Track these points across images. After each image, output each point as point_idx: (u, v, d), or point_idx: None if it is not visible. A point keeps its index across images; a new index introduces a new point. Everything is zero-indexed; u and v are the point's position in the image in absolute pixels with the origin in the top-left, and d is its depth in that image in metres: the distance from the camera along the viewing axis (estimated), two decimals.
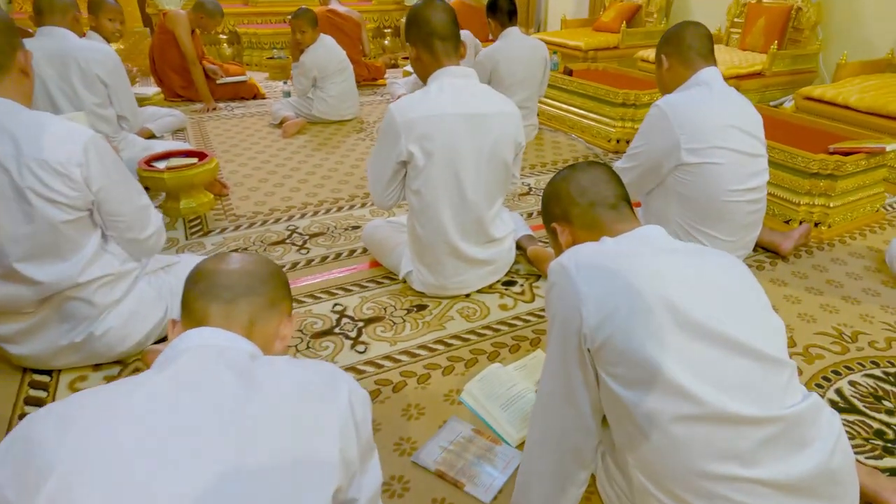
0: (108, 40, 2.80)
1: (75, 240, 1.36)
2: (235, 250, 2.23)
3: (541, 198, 1.18)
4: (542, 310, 1.87)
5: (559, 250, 1.07)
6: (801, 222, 2.41)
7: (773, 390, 0.86)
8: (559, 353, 0.93)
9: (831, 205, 2.40)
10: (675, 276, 0.89)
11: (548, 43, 5.02)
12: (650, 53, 4.29)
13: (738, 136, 1.73)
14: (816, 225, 2.41)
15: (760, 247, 2.24)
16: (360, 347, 1.68)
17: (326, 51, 3.71)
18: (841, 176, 2.34)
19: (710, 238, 1.84)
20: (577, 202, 1.04)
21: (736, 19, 4.43)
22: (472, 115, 1.63)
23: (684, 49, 1.79)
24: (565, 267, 0.91)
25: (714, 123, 1.70)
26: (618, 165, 1.93)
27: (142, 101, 4.18)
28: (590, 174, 1.06)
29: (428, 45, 1.64)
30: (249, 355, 0.75)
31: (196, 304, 0.81)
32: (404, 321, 1.80)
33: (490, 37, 3.46)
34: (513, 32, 3.25)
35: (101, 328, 1.46)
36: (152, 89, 4.22)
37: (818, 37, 4.00)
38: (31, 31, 3.35)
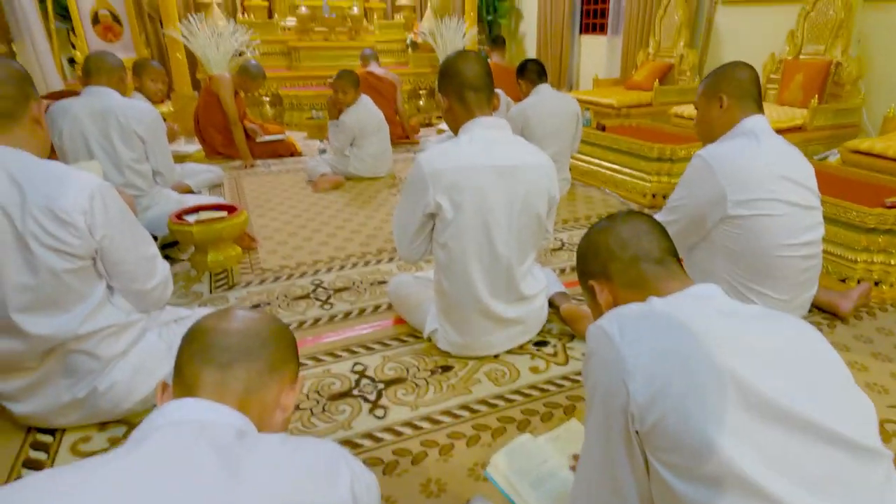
0: (152, 100, 2.92)
1: (78, 290, 1.32)
2: (256, 305, 2.19)
3: (575, 252, 1.07)
4: (578, 373, 1.73)
5: (598, 312, 0.96)
6: (859, 281, 2.23)
7: (866, 488, 0.70)
8: (601, 434, 0.80)
9: (893, 262, 2.22)
10: (740, 344, 0.75)
11: (580, 101, 5.05)
12: (684, 109, 4.24)
13: (789, 186, 1.62)
14: (877, 284, 2.23)
15: (817, 307, 2.06)
16: (379, 412, 1.56)
17: (366, 111, 3.80)
18: None
19: (762, 297, 1.70)
20: (617, 256, 0.93)
21: (772, 75, 4.36)
22: (504, 167, 1.57)
23: (743, 92, 1.70)
24: (607, 332, 0.79)
25: (763, 173, 1.60)
26: (657, 218, 1.82)
27: (183, 157, 4.34)
28: (631, 225, 0.95)
29: (460, 96, 1.61)
30: (237, 433, 0.66)
31: (188, 367, 0.74)
32: (428, 383, 1.68)
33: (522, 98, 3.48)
34: (543, 89, 3.26)
35: (106, 383, 1.39)
36: (194, 147, 4.38)
37: (861, 91, 3.88)
38: (79, 90, 3.56)
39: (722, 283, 1.70)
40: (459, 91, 1.61)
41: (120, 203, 1.35)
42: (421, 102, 6.35)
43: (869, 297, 2.14)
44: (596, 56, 6.53)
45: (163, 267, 1.50)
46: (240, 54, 5.40)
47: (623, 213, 1.00)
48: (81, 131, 2.37)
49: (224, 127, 4.33)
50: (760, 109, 1.71)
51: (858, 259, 2.24)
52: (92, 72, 2.44)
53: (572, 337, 1.92)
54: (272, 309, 2.15)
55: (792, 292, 1.74)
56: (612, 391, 0.76)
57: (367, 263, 2.56)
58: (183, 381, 0.74)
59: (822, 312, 2.07)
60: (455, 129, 1.67)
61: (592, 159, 3.78)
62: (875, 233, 2.21)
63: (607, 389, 0.77)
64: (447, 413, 1.55)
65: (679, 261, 0.95)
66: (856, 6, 3.83)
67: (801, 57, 4.14)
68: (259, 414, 0.74)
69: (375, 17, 6.79)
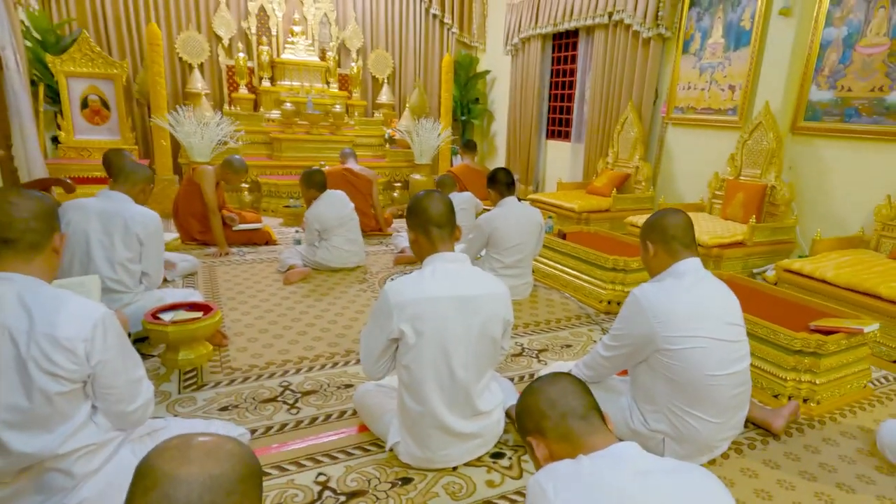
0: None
1: (64, 412, 1.38)
2: (224, 408, 2.24)
3: (515, 413, 1.23)
4: None
5: (537, 464, 1.10)
6: (789, 398, 2.42)
7: None
8: None
9: (818, 381, 2.43)
10: (650, 500, 0.91)
11: (544, 203, 5.43)
12: (638, 219, 4.60)
13: (713, 324, 1.82)
14: (805, 401, 2.42)
15: (752, 422, 2.24)
16: None
17: (327, 207, 4.00)
18: (824, 354, 2.41)
19: (698, 420, 1.86)
20: (547, 415, 1.09)
21: (717, 192, 4.80)
22: (463, 297, 1.75)
23: (668, 238, 1.90)
24: (544, 490, 0.94)
25: (688, 314, 1.80)
26: (604, 342, 2.01)
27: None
28: (557, 386, 1.12)
29: (426, 231, 1.82)
30: None
31: None
32: (388, 496, 1.76)
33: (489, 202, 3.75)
34: (510, 201, 3.54)
35: (75, 500, 1.43)
36: (171, 235, 4.49)
37: (793, 212, 4.31)
38: (64, 180, 3.71)
39: (662, 407, 1.87)
40: (425, 226, 1.82)
41: (118, 330, 1.46)
42: (395, 194, 6.66)
43: (797, 414, 2.33)
44: (560, 159, 7.03)
45: (147, 389, 1.57)
46: (223, 143, 5.66)
47: (549, 376, 1.18)
48: (85, 227, 2.56)
49: (202, 215, 4.48)
50: (692, 251, 1.94)
51: (788, 378, 2.45)
52: (119, 177, 2.72)
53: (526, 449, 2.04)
54: (240, 412, 2.21)
55: (725, 415, 1.91)
56: None
57: (335, 365, 2.65)
58: None
59: (757, 428, 2.25)
60: (420, 258, 1.87)
61: (554, 264, 4.04)
62: (801, 354, 2.43)
63: None
64: None
65: (601, 414, 1.11)
66: (784, 138, 4.34)
67: (741, 178, 4.60)
68: None
69: (356, 113, 7.23)
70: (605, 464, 0.98)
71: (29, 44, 5.50)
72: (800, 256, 4.12)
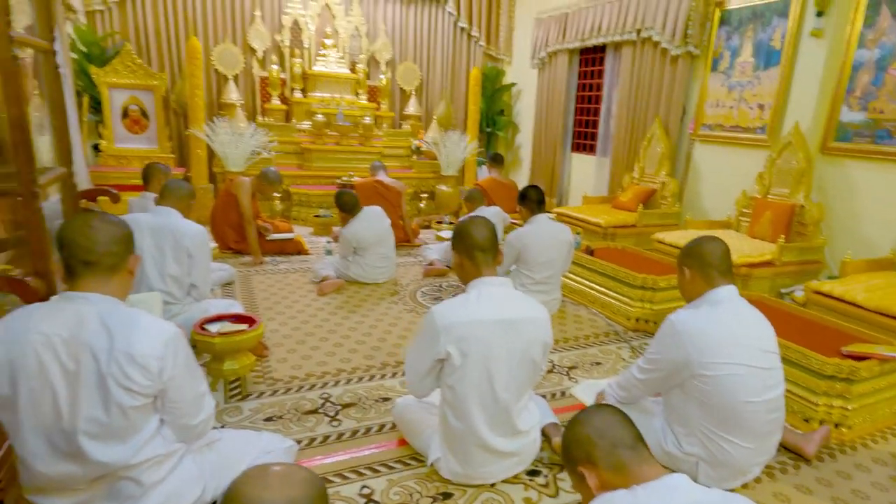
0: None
1: (136, 424, 1.48)
2: (269, 419, 2.33)
3: (560, 445, 1.28)
4: None
5: (589, 495, 1.15)
6: (821, 422, 2.45)
7: None
8: None
9: (850, 407, 2.45)
10: None
11: (570, 218, 5.48)
12: (666, 235, 4.63)
13: (748, 352, 1.87)
14: (837, 426, 2.44)
15: (783, 446, 2.27)
16: None
17: (364, 226, 4.07)
18: (857, 380, 2.43)
19: (732, 444, 1.90)
20: (598, 445, 1.15)
21: (744, 209, 4.81)
22: (506, 321, 1.83)
23: (705, 265, 1.96)
24: None
25: (724, 341, 1.85)
26: (639, 364, 2.07)
27: None
28: (604, 417, 1.18)
29: (470, 255, 1.90)
30: None
31: None
32: None
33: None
34: (540, 219, 3.60)
35: None
36: (210, 244, 4.64)
37: (822, 232, 4.31)
38: (107, 189, 3.88)
39: (697, 431, 1.92)
40: (470, 251, 1.90)
41: (187, 349, 1.56)
42: (422, 205, 6.76)
43: (829, 440, 2.35)
44: (585, 173, 7.07)
45: (209, 404, 1.67)
46: (257, 154, 5.82)
47: (593, 407, 1.23)
48: (140, 243, 2.68)
49: (238, 225, 4.63)
50: (728, 279, 1.99)
51: (819, 402, 2.47)
52: (166, 195, 2.90)
53: (563, 467, 2.10)
54: (284, 423, 2.31)
55: (759, 441, 1.95)
56: None
57: (371, 378, 2.74)
58: None
59: (789, 452, 2.28)
60: (464, 282, 1.96)
61: (582, 280, 4.09)
62: (833, 380, 2.45)
63: None
64: None
65: (646, 445, 1.17)
66: (814, 158, 4.35)
67: (770, 197, 4.60)
68: None
69: (384, 125, 7.36)
70: (659, 495, 1.04)
71: (75, 56, 5.73)
72: (829, 277, 4.12)
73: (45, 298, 2.06)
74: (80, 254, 1.47)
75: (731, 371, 1.84)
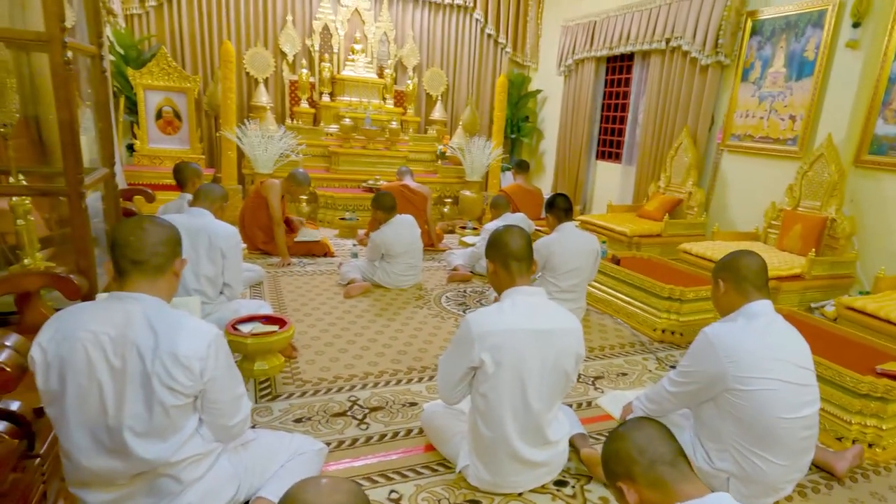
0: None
1: (177, 423, 1.52)
2: (299, 420, 2.37)
3: (601, 458, 1.28)
4: None
5: None
6: (854, 441, 2.41)
7: None
8: None
9: (884, 427, 2.40)
10: None
11: (595, 226, 5.45)
12: (692, 246, 4.58)
13: (784, 367, 1.85)
14: (870, 446, 2.40)
15: (815, 465, 2.23)
16: None
17: (394, 233, 4.07)
18: (892, 400, 2.38)
19: (765, 461, 1.88)
20: (637, 460, 1.14)
21: (773, 221, 4.74)
22: (540, 331, 1.84)
23: (740, 279, 1.95)
24: None
25: (759, 355, 1.83)
26: (671, 377, 2.06)
27: None
28: (644, 432, 1.17)
29: (505, 264, 1.91)
30: None
31: None
32: None
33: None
34: (567, 227, 3.60)
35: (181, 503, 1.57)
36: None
37: (854, 246, 4.23)
38: (142, 189, 3.99)
39: (729, 447, 1.90)
40: (505, 260, 1.91)
41: (227, 350, 1.60)
42: (445, 209, 6.79)
43: (862, 459, 2.31)
44: (610, 181, 7.03)
45: (246, 406, 1.71)
46: (286, 157, 5.91)
47: (634, 421, 1.22)
48: None
49: (267, 226, 4.71)
50: (764, 294, 1.97)
51: (853, 421, 2.43)
52: (200, 197, 2.99)
53: (590, 478, 2.10)
54: (313, 424, 2.35)
55: (792, 458, 1.92)
56: None
57: (398, 382, 2.77)
58: None
59: (820, 471, 2.24)
60: (498, 291, 1.97)
61: (607, 289, 4.07)
62: (868, 398, 2.41)
63: None
64: None
65: (688, 460, 1.17)
66: (847, 171, 4.27)
67: (800, 209, 4.53)
68: None
69: (410, 129, 7.42)
70: None
71: (112, 58, 5.89)
72: (860, 292, 4.04)
73: (87, 295, 2.14)
74: (129, 253, 1.52)
75: (766, 386, 1.82)
